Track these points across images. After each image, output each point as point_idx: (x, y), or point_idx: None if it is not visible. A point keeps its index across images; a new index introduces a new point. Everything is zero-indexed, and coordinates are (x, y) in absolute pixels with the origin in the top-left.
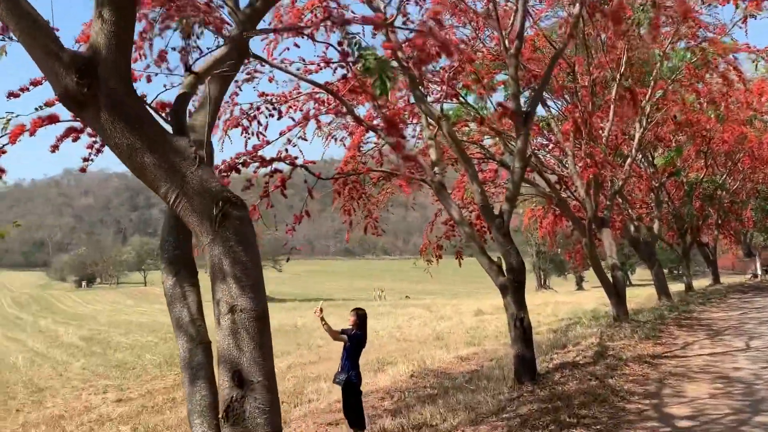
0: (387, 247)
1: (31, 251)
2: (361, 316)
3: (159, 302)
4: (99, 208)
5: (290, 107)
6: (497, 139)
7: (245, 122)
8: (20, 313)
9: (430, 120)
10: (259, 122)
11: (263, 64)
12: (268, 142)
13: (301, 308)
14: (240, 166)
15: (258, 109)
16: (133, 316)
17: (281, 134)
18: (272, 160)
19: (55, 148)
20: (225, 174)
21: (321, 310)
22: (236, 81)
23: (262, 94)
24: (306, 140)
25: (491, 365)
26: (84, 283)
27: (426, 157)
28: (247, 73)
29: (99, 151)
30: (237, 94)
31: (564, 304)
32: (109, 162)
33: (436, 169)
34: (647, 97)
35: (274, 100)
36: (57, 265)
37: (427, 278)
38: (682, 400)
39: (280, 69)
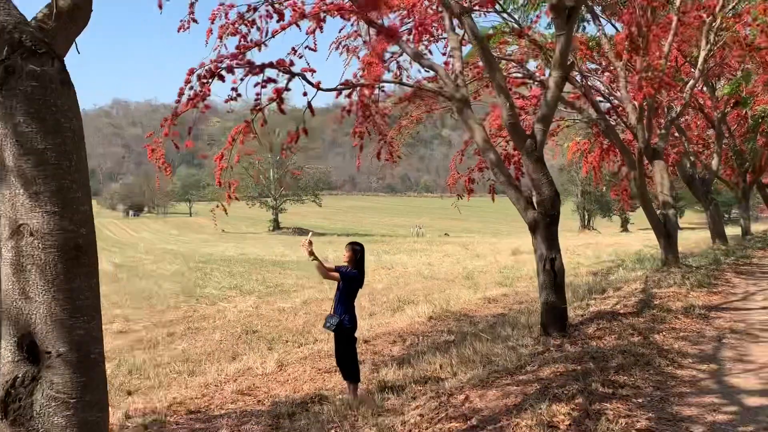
0: (429, 184)
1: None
2: (356, 251)
3: (202, 233)
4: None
5: (295, 9)
6: (540, 60)
7: (243, 28)
8: None
9: (455, 23)
10: (258, 28)
11: None
12: (259, 45)
13: (337, 243)
14: (223, 72)
15: (256, 10)
16: (173, 245)
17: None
18: (263, 66)
19: None
20: (205, 80)
21: (310, 242)
22: None
23: None
24: (314, 50)
25: (519, 310)
26: (131, 212)
27: (448, 68)
28: None
29: None
30: None
31: (607, 245)
32: (157, 92)
33: (459, 81)
34: (717, 7)
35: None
36: (107, 193)
37: (469, 216)
38: (749, 367)
39: None
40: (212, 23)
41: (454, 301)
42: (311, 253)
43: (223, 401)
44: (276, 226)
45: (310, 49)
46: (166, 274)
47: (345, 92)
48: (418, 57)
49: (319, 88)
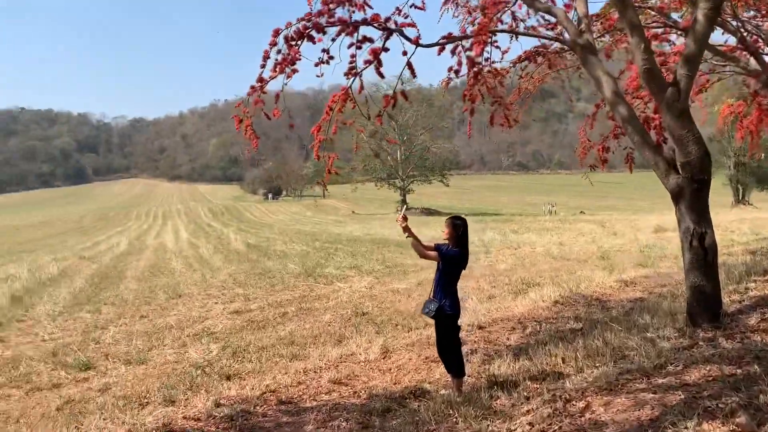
0: (564, 161)
1: (228, 166)
2: (457, 227)
3: (333, 214)
4: (284, 126)
5: None
6: (685, 8)
7: None
8: (212, 221)
9: None
10: None
11: None
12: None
13: None
14: (312, 32)
15: None
16: (306, 226)
17: None
18: (357, 24)
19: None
20: (293, 42)
21: (404, 217)
22: None
23: None
24: (422, 9)
25: (660, 294)
26: (270, 196)
27: (569, 10)
28: None
29: None
30: None
31: (767, 220)
32: (292, 81)
33: (582, 25)
34: None
35: None
36: (248, 178)
37: (608, 193)
38: None
39: None
40: None
41: (585, 284)
42: (406, 229)
43: (317, 391)
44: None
45: (416, 7)
46: (292, 253)
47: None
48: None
49: (418, 44)
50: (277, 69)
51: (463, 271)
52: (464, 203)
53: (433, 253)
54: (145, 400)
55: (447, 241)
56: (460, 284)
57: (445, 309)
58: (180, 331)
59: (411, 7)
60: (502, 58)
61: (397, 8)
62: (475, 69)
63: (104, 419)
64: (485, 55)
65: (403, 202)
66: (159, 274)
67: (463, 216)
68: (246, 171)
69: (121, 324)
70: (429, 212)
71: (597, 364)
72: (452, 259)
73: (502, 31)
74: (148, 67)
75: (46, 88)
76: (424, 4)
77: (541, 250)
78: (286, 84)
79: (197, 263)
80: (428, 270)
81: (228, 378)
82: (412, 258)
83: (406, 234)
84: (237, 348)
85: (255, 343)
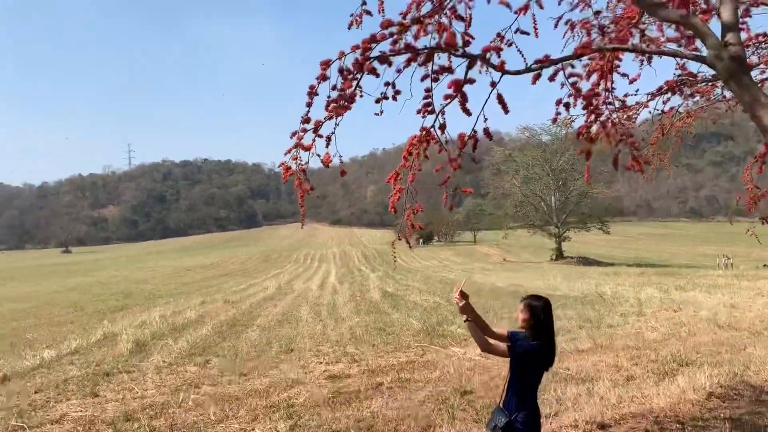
0: (743, 208)
1: (384, 211)
2: (536, 311)
3: (483, 261)
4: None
5: None
6: None
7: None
8: (362, 266)
9: None
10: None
11: None
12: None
13: (624, 275)
14: (375, 61)
15: None
16: (452, 273)
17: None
18: (430, 50)
19: None
20: (349, 75)
21: (463, 294)
22: None
23: None
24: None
25: None
26: (421, 241)
27: (706, 18)
28: None
29: None
30: None
31: None
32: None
33: (728, 37)
34: None
35: None
36: (402, 223)
37: None
38: None
39: None
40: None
41: (755, 367)
42: (465, 309)
43: None
44: (558, 255)
45: (522, 32)
46: (423, 305)
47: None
48: (653, 8)
49: (504, 71)
50: (330, 107)
51: (588, 345)
52: (627, 252)
53: (501, 346)
54: None
55: (523, 329)
56: (600, 357)
57: (516, 426)
58: (262, 399)
59: (516, 32)
60: (636, 92)
61: (499, 34)
62: (593, 101)
63: None
64: (603, 85)
65: (559, 251)
66: (284, 323)
67: (545, 296)
68: (401, 216)
69: (216, 383)
70: (586, 262)
71: None
72: (528, 355)
73: (621, 48)
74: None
75: (226, 141)
76: (535, 27)
77: (705, 314)
78: (338, 125)
79: (326, 312)
80: (569, 335)
81: None
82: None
83: (465, 317)
84: (305, 429)
85: (328, 425)
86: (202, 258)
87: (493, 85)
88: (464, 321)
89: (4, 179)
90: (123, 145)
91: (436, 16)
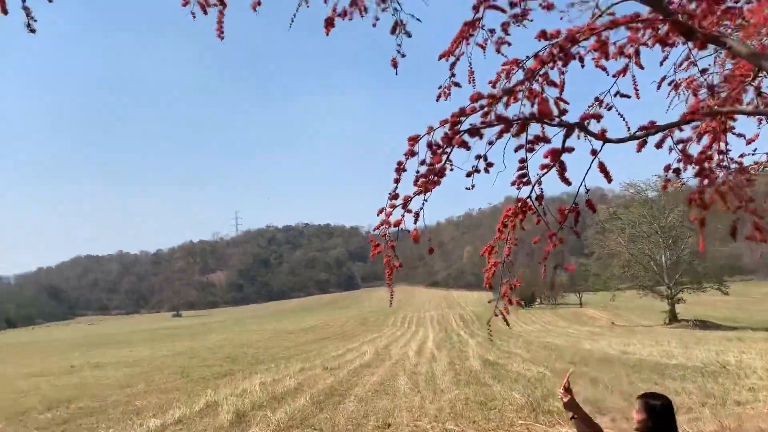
0: None
1: (481, 271)
2: (654, 411)
3: (590, 325)
4: (539, 232)
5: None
6: None
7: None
8: (461, 330)
9: None
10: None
11: None
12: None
13: (749, 340)
14: (466, 134)
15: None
16: (557, 338)
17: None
18: (524, 120)
19: None
20: (438, 149)
21: (567, 389)
22: None
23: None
24: (629, 96)
25: None
26: (523, 303)
27: None
28: None
29: None
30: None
31: None
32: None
33: None
34: None
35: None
36: (497, 301)
37: None
38: None
39: None
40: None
41: None
42: (570, 406)
43: None
44: (672, 318)
45: (623, 96)
46: (527, 375)
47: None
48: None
49: (605, 140)
50: (419, 182)
51: (713, 427)
52: (750, 315)
53: None
54: None
55: (638, 429)
56: None
57: None
58: None
59: (616, 95)
60: (754, 152)
61: (597, 99)
62: (706, 165)
63: None
64: (720, 145)
65: (672, 313)
66: (382, 395)
67: (665, 395)
68: (496, 289)
69: None
70: (704, 325)
71: None
72: None
73: (735, 111)
74: (409, 186)
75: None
76: (636, 89)
77: None
78: (426, 201)
79: (424, 383)
80: (692, 414)
81: None
82: (668, 390)
83: (570, 414)
84: None
85: None
86: (303, 321)
87: (594, 153)
88: (569, 419)
89: (124, 247)
90: (231, 212)
91: (527, 83)
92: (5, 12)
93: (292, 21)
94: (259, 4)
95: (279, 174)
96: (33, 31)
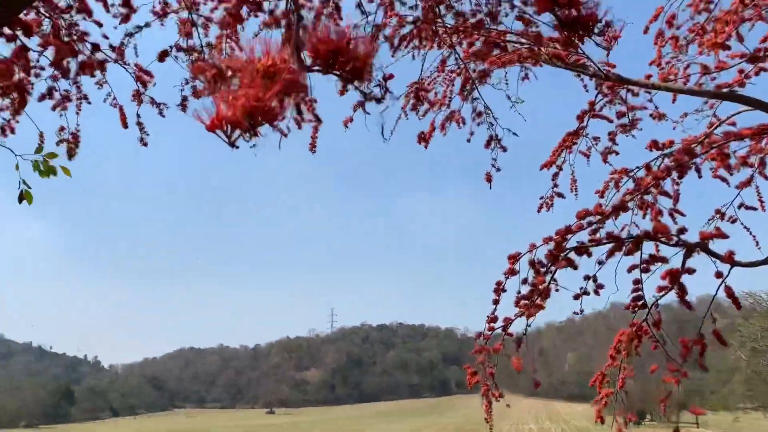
0: None
1: (585, 382)
2: None
3: None
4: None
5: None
6: None
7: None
8: None
9: None
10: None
11: None
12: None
13: None
14: (572, 252)
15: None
16: None
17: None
18: (637, 239)
19: None
20: (542, 268)
21: None
22: None
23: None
24: (757, 209)
25: None
26: (632, 421)
27: None
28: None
29: None
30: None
31: None
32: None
33: None
34: None
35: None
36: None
37: None
38: None
39: None
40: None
41: None
42: None
43: None
44: None
45: (747, 208)
46: None
47: None
48: None
49: (733, 263)
50: (521, 304)
51: None
52: None
53: None
54: None
55: None
56: None
57: None
58: None
59: (740, 207)
60: None
61: (718, 211)
62: None
63: None
64: None
65: None
66: None
67: None
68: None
69: None
70: None
71: None
72: None
73: None
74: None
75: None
76: (761, 200)
77: None
78: (529, 325)
79: None
80: None
81: None
82: None
83: None
84: None
85: None
86: (397, 425)
87: (719, 275)
88: None
89: (225, 341)
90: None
91: (639, 195)
92: (125, 126)
93: (392, 133)
94: (351, 120)
95: (375, 271)
96: (145, 144)
